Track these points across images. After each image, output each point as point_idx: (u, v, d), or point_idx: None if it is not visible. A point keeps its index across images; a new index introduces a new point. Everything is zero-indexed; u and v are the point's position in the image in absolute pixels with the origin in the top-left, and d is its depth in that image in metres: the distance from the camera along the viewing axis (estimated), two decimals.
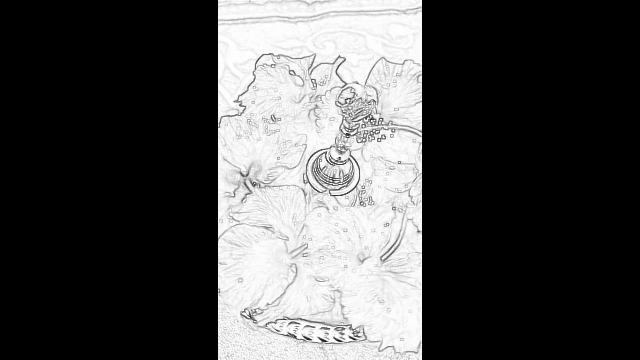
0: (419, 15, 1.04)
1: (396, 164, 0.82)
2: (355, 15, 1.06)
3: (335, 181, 0.82)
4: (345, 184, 0.83)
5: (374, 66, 0.89)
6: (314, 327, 0.80)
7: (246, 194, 0.80)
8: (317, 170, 0.82)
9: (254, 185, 0.81)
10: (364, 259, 0.77)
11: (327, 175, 0.82)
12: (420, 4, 1.05)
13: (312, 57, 0.90)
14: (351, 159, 0.82)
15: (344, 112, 0.72)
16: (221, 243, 0.77)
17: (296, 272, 0.77)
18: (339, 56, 0.71)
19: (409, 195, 0.81)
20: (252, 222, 0.78)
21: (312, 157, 0.84)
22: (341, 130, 0.76)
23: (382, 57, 0.89)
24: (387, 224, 0.77)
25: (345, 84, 0.75)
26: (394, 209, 0.77)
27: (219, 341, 0.85)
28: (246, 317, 0.78)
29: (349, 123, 0.73)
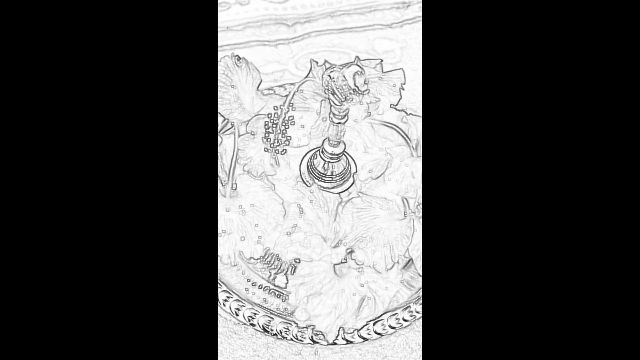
0: (405, 28, 1.00)
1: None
2: (339, 33, 1.01)
3: (328, 176, 0.74)
4: (343, 179, 0.75)
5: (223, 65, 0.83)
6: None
7: (348, 253, 0.73)
8: (312, 168, 0.74)
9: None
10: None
11: (322, 172, 0.74)
12: (404, 18, 1.01)
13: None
14: (345, 154, 0.74)
15: (345, 96, 0.64)
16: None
17: None
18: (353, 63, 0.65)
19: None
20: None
21: (304, 157, 0.76)
22: (332, 120, 0.68)
23: (225, 55, 0.83)
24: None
25: (336, 67, 0.68)
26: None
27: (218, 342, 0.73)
28: None
29: (338, 108, 0.66)
